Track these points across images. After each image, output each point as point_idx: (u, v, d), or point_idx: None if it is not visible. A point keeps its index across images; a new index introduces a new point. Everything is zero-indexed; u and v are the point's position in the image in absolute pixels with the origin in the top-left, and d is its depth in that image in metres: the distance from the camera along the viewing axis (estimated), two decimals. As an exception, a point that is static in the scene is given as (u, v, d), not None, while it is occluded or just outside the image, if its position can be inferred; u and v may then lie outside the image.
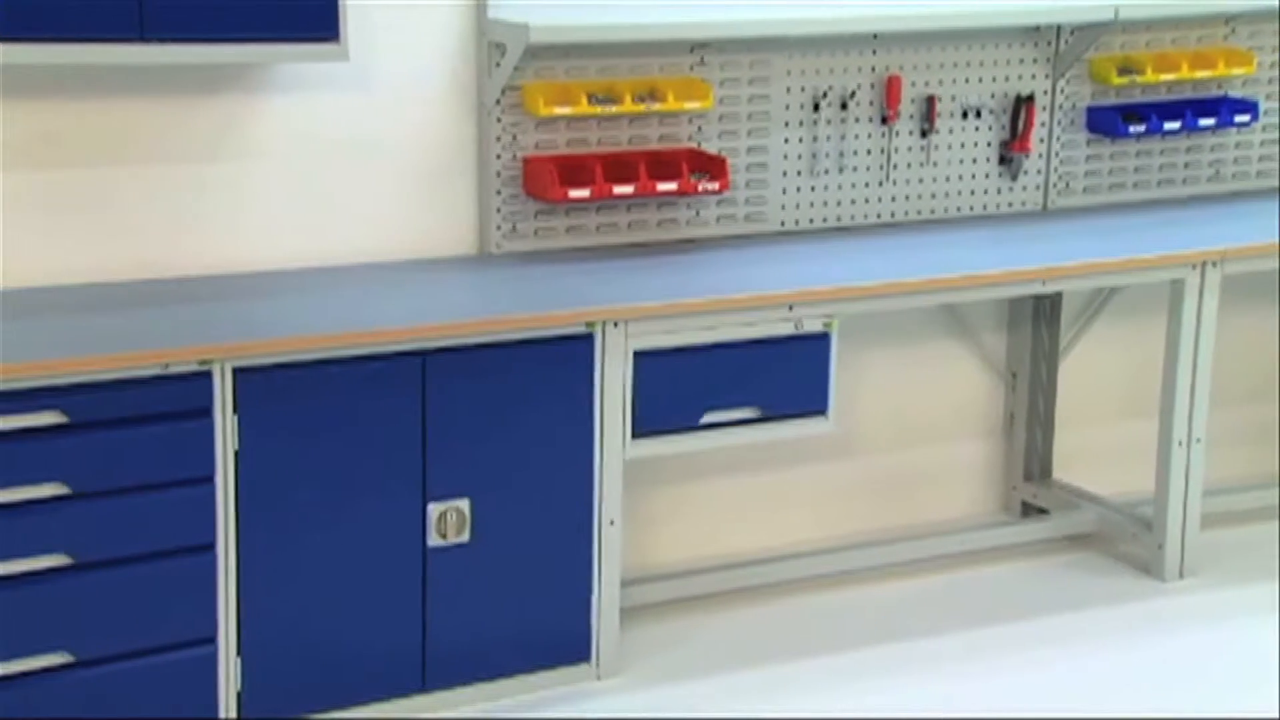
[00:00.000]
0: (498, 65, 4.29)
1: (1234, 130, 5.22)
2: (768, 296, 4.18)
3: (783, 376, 4.24)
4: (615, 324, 4.03)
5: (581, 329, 4.00)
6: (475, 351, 3.89)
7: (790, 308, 4.20)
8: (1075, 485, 5.18)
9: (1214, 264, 4.63)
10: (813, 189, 4.79)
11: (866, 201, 4.87)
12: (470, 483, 3.94)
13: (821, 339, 4.26)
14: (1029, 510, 5.23)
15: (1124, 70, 5.01)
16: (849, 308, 4.29)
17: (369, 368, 3.79)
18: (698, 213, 4.66)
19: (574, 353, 4.00)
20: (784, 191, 4.76)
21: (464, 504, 3.94)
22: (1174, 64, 5.02)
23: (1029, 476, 5.23)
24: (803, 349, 4.24)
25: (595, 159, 4.42)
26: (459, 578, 3.95)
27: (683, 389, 4.14)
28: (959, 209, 4.99)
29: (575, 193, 4.34)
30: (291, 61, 4.00)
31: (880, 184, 4.88)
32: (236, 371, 3.65)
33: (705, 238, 4.67)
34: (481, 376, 3.91)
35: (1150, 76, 5.00)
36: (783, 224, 4.77)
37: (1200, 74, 5.04)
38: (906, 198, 4.92)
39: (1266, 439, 5.56)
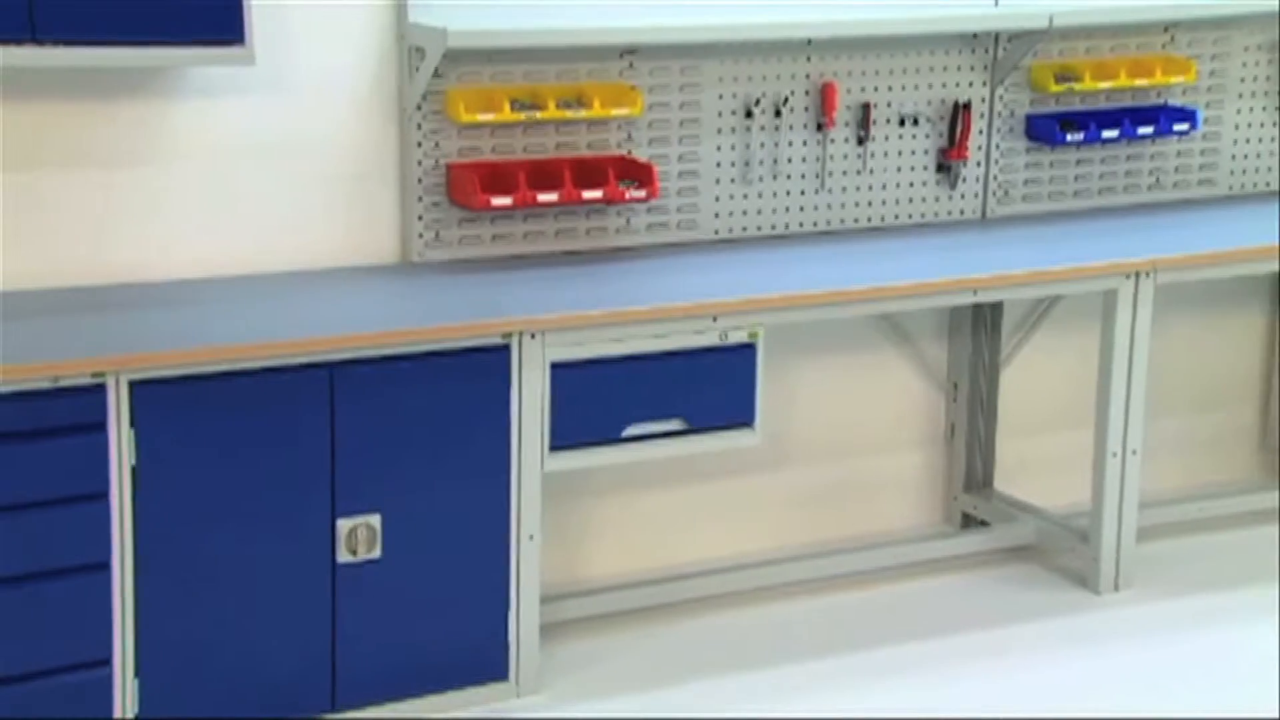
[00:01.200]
0: (418, 70, 4.09)
1: (1174, 139, 5.02)
2: (690, 307, 3.97)
3: (707, 388, 4.04)
4: (532, 335, 3.82)
5: (497, 340, 3.79)
6: (385, 363, 3.69)
7: (714, 318, 4.00)
8: (1015, 497, 4.98)
9: (1147, 274, 4.43)
10: (746, 197, 4.59)
11: (802, 210, 4.67)
12: (381, 498, 3.73)
13: (747, 350, 4.05)
14: (970, 522, 5.03)
15: (1062, 78, 4.81)
16: (774, 318, 4.09)
17: (274, 380, 3.58)
18: (628, 221, 4.45)
19: (489, 364, 3.80)
20: (717, 199, 4.55)
21: (374, 519, 3.73)
22: (1112, 72, 4.83)
23: (970, 488, 5.03)
24: (727, 360, 4.04)
25: (520, 166, 4.22)
26: (370, 595, 3.74)
27: (603, 401, 3.94)
28: (897, 217, 4.79)
29: (498, 200, 4.13)
30: (194, 65, 3.78)
31: (816, 192, 4.67)
32: (133, 384, 3.44)
33: (636, 246, 4.46)
34: (392, 389, 3.71)
35: (1088, 84, 4.80)
36: (716, 232, 4.57)
37: (1139, 82, 4.84)
38: (843, 206, 4.72)
39: (1207, 450, 5.37)
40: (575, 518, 4.56)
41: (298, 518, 3.65)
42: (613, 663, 4.19)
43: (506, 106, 4.16)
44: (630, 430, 3.98)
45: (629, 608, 4.38)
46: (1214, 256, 4.51)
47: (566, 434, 3.90)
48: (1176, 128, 4.90)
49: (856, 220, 4.74)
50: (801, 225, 4.68)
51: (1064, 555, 4.76)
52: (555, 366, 3.86)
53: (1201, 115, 5.00)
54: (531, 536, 3.90)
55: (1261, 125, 5.15)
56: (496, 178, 4.18)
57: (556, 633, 4.22)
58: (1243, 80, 5.10)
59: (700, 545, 4.74)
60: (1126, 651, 4.30)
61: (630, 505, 4.65)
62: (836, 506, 4.94)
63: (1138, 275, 4.43)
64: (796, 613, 4.51)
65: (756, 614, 4.49)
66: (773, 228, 4.64)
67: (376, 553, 3.74)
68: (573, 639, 4.26)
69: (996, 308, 4.92)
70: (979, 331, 4.95)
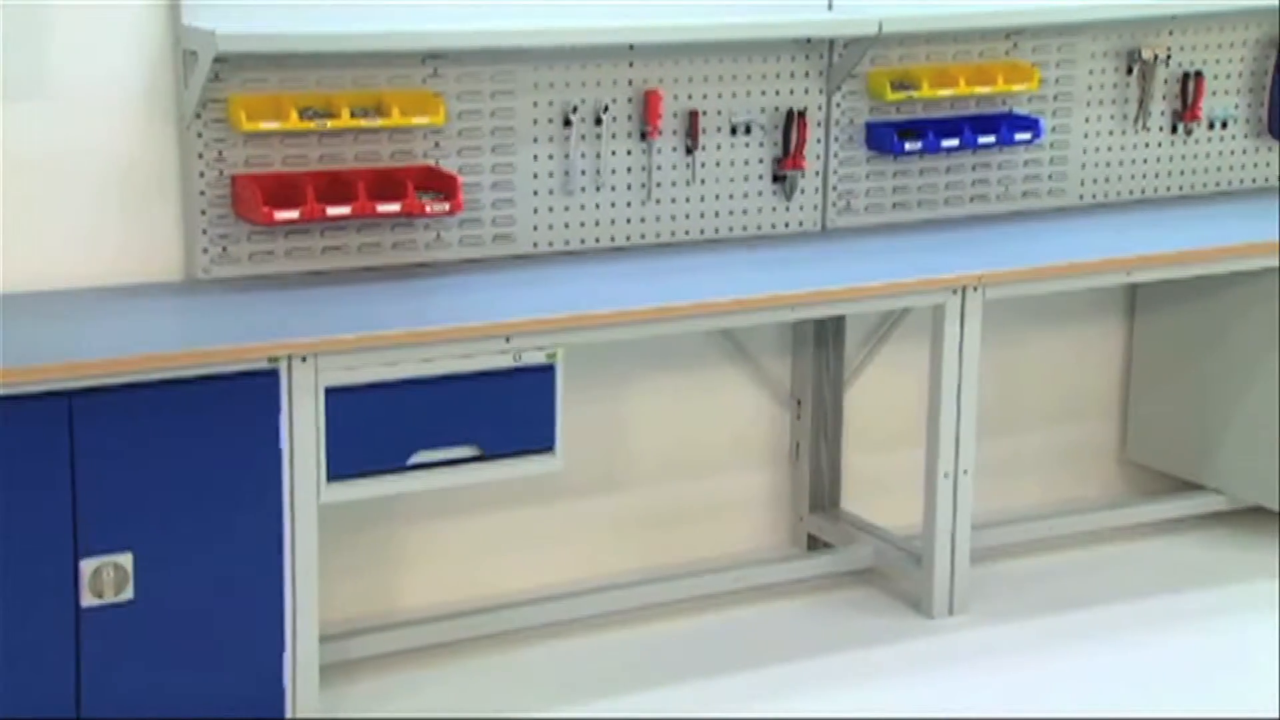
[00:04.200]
0: (194, 75, 3.60)
1: (1020, 148, 4.56)
2: (480, 327, 3.51)
3: (503, 412, 3.58)
4: (303, 359, 3.35)
5: (264, 365, 3.31)
6: (134, 391, 3.21)
7: (507, 339, 3.53)
8: (862, 517, 4.52)
9: (974, 289, 3.97)
10: (567, 209, 4.12)
11: (628, 222, 4.20)
12: (132, 535, 3.25)
13: (545, 371, 3.59)
14: (816, 543, 4.57)
15: (900, 85, 4.36)
16: (575, 338, 3.63)
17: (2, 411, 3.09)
18: (438, 235, 3.98)
19: (256, 390, 3.33)
20: (535, 211, 4.08)
21: (125, 558, 3.25)
22: (952, 79, 4.37)
23: (816, 508, 4.57)
24: (524, 383, 3.58)
25: (310, 177, 3.75)
26: (120, 641, 3.26)
27: (386, 427, 3.47)
28: (730, 229, 4.32)
29: (282, 214, 3.66)
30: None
31: (642, 204, 4.21)
32: None
33: (446, 261, 3.99)
34: (144, 418, 3.23)
35: (926, 92, 4.35)
36: (535, 246, 4.10)
37: (979, 89, 4.38)
38: (672, 218, 4.25)
39: (1067, 465, 4.93)
40: (390, 547, 4.09)
41: (32, 558, 3.16)
42: (411, 700, 3.72)
43: (294, 115, 3.68)
44: (418, 458, 3.51)
45: (437, 641, 3.91)
46: (1042, 271, 4.06)
47: (345, 463, 3.43)
48: (1019, 137, 4.45)
49: (688, 233, 4.28)
50: (629, 238, 4.21)
51: (901, 579, 4.31)
52: (330, 391, 3.39)
53: (1046, 124, 4.55)
54: (308, 572, 3.42)
55: (1110, 134, 4.70)
56: (284, 190, 3.70)
57: (358, 669, 3.75)
58: (1090, 88, 4.65)
59: (527, 573, 4.27)
60: (951, 679, 3.86)
61: (449, 532, 4.18)
62: (676, 530, 4.48)
63: (964, 290, 3.97)
64: (625, 643, 4.05)
65: (581, 645, 4.02)
66: (597, 240, 4.18)
67: (128, 594, 3.25)
68: (376, 675, 3.79)
69: (840, 322, 4.46)
70: (823, 347, 4.49)
